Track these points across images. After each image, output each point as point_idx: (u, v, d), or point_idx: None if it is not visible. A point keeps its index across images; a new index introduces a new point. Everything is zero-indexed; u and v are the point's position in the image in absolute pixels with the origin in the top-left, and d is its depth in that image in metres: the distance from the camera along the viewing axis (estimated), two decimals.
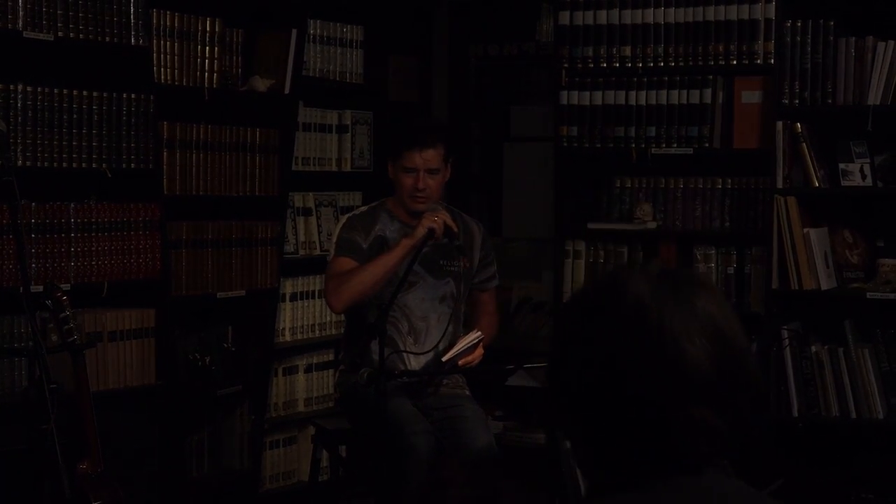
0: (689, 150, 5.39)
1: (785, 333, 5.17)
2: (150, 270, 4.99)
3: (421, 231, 4.45)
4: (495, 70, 6.95)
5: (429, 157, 4.61)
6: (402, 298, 4.64)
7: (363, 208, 4.86)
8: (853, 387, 5.12)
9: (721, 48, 5.31)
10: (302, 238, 5.87)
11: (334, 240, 4.72)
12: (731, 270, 5.40)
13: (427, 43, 6.87)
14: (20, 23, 4.54)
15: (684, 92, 5.38)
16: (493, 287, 4.91)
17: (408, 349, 4.63)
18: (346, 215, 4.82)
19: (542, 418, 5.95)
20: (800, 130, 5.14)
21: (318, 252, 5.87)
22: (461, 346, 4.54)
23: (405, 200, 4.66)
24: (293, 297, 5.77)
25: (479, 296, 4.86)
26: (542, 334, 6.13)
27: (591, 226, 5.62)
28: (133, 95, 4.90)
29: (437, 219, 4.44)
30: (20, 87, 4.58)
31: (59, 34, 4.64)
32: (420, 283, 4.68)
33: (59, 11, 4.64)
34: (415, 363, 4.66)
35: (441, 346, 4.67)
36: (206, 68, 5.27)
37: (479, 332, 4.60)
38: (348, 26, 6.01)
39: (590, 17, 5.52)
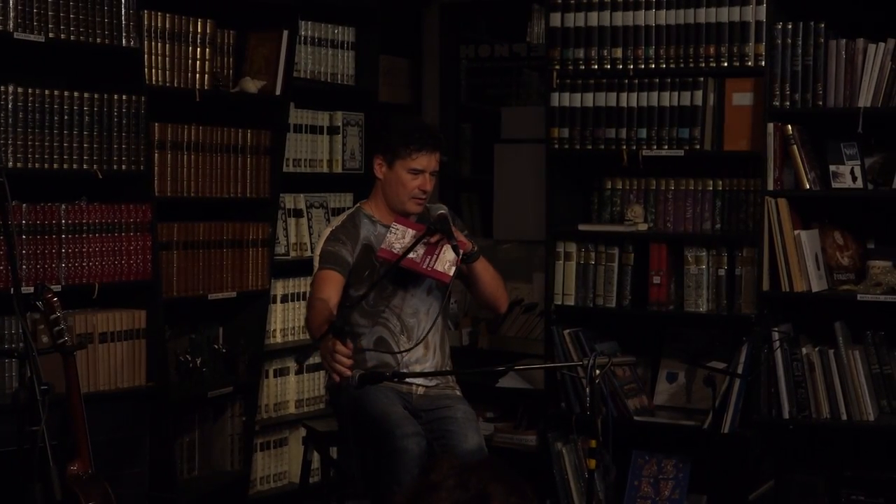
0: (680, 152, 5.40)
1: (776, 335, 5.17)
2: (141, 272, 4.98)
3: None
4: (486, 72, 6.95)
5: (436, 159, 4.63)
6: (394, 299, 4.63)
7: (342, 218, 4.74)
8: (844, 389, 5.13)
9: (712, 50, 5.31)
10: (293, 239, 5.87)
11: (317, 253, 4.65)
12: (721, 272, 5.41)
13: (418, 44, 6.87)
14: (11, 24, 4.53)
15: (675, 94, 5.39)
16: (482, 257, 4.73)
17: (402, 349, 4.62)
18: (328, 228, 4.72)
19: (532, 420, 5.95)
20: (790, 132, 5.15)
21: (308, 254, 5.86)
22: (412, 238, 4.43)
23: (404, 201, 4.61)
24: (284, 299, 5.77)
25: (469, 267, 4.68)
26: (534, 336, 6.13)
27: (582, 227, 5.62)
28: (124, 97, 4.90)
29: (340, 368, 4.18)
30: (11, 88, 4.58)
31: (50, 35, 4.64)
32: (406, 282, 4.66)
33: (50, 12, 4.64)
34: (408, 358, 4.63)
35: (431, 338, 4.66)
36: (198, 70, 5.27)
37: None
38: (339, 27, 6.02)
39: (581, 19, 5.52)
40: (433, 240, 4.46)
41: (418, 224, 4.55)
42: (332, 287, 4.53)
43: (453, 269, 4.44)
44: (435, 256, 4.47)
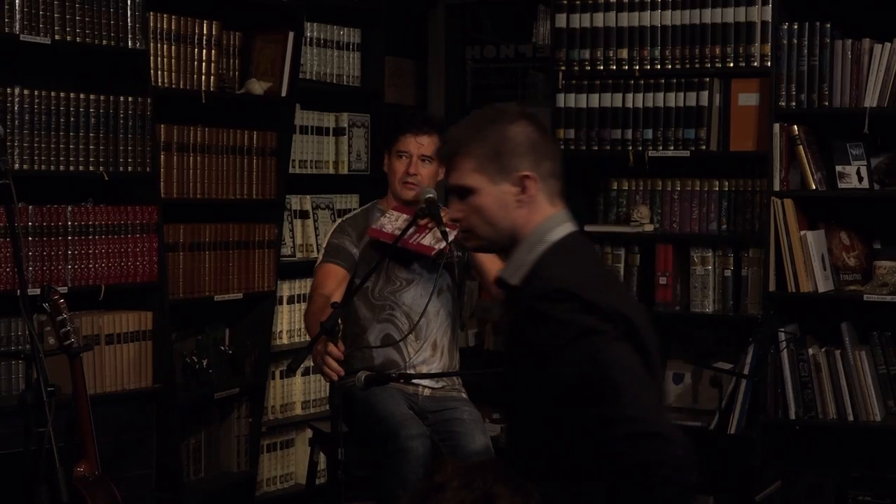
0: (686, 153, 5.40)
1: (782, 336, 5.17)
2: (148, 273, 4.99)
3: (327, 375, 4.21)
4: (492, 72, 6.95)
5: (423, 142, 4.64)
6: (403, 296, 4.65)
7: (355, 211, 4.88)
8: (850, 389, 5.12)
9: (718, 51, 5.31)
10: (299, 241, 5.87)
11: (324, 245, 4.75)
12: (728, 273, 5.40)
13: (423, 45, 6.88)
14: (17, 26, 4.54)
15: (681, 94, 5.39)
16: None
17: (408, 346, 4.63)
18: (338, 220, 4.83)
19: None
20: (797, 133, 5.15)
21: (314, 255, 5.86)
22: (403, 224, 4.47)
23: (396, 187, 4.66)
24: (290, 300, 5.77)
25: (478, 259, 4.66)
26: None
27: (588, 228, 5.61)
28: (130, 98, 4.90)
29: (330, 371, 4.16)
30: (17, 90, 4.58)
31: (57, 37, 4.64)
32: (417, 279, 4.68)
33: (56, 15, 4.64)
34: (415, 359, 4.65)
35: (440, 340, 4.67)
36: (204, 71, 5.27)
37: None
38: (345, 29, 6.02)
39: (586, 20, 5.52)
40: (422, 222, 4.52)
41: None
42: (334, 282, 4.59)
43: (440, 244, 4.47)
44: (424, 233, 4.52)
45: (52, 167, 4.69)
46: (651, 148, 5.45)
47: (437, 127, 4.71)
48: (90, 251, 4.81)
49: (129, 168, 4.92)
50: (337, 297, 4.49)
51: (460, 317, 4.93)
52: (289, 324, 5.78)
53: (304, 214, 5.91)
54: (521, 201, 2.76)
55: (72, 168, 4.75)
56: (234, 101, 5.48)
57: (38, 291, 4.32)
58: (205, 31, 5.27)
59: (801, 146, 5.15)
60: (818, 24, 5.13)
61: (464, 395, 4.74)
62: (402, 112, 6.25)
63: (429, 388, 4.67)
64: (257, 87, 5.51)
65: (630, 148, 5.47)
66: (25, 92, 4.60)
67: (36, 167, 4.64)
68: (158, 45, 5.09)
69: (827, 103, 5.12)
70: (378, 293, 4.65)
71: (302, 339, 5.81)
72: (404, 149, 4.64)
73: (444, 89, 6.87)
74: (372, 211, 4.78)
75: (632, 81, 5.47)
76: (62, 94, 4.72)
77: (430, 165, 4.66)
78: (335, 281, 4.59)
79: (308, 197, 5.93)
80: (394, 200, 4.72)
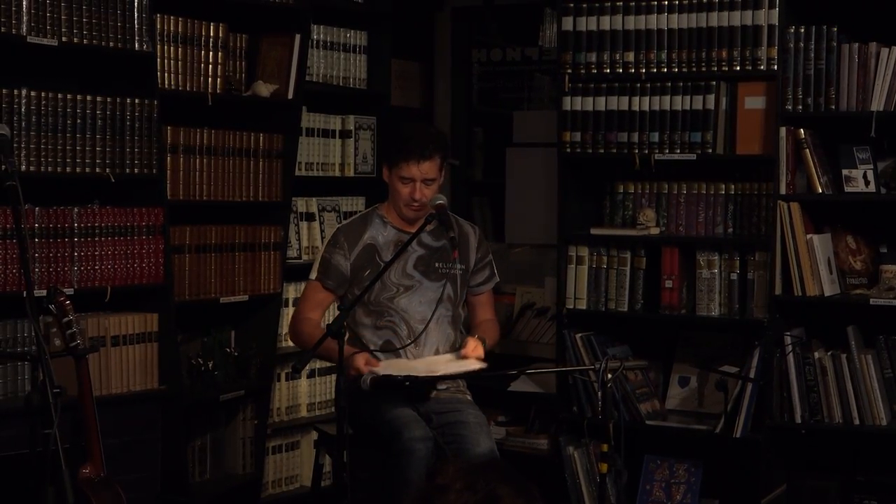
0: (693, 156, 5.39)
1: (788, 339, 5.17)
2: (154, 275, 4.99)
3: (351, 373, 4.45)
4: (498, 75, 6.95)
5: (426, 168, 4.62)
6: (399, 302, 4.65)
7: (355, 217, 4.86)
8: (856, 393, 5.12)
9: (724, 54, 5.31)
10: (305, 243, 5.88)
11: (319, 254, 4.77)
12: (733, 276, 5.40)
13: (430, 48, 6.88)
14: (24, 28, 4.54)
15: (687, 98, 5.38)
16: (489, 290, 4.91)
17: (408, 353, 4.64)
18: (338, 226, 4.84)
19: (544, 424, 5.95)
20: (803, 136, 5.15)
21: None
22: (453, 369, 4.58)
23: (401, 208, 4.68)
24: (296, 302, 5.76)
25: (474, 299, 4.86)
26: (545, 340, 6.13)
27: (594, 231, 5.62)
28: (137, 100, 4.91)
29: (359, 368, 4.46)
30: (24, 92, 4.59)
31: (63, 39, 4.65)
32: (416, 286, 4.69)
33: (62, 17, 4.65)
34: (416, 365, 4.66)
35: (441, 351, 4.68)
36: (210, 73, 5.28)
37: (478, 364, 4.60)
38: (351, 31, 6.02)
39: (593, 23, 5.52)
40: (429, 228, 4.59)
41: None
42: (320, 310, 4.72)
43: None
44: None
45: (59, 169, 4.70)
46: (657, 151, 5.44)
47: (438, 148, 4.67)
48: (96, 253, 4.82)
49: (136, 170, 4.92)
50: (319, 321, 4.70)
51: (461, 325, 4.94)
52: None
53: (309, 217, 5.91)
54: None
55: (78, 170, 4.76)
56: (241, 103, 5.49)
57: (44, 293, 4.33)
58: (211, 34, 5.28)
59: (807, 149, 5.14)
60: (825, 27, 5.12)
61: (469, 398, 4.74)
62: (401, 122, 6.24)
63: (434, 390, 4.67)
64: (263, 89, 5.52)
65: (636, 151, 5.47)
66: (32, 94, 4.61)
67: (42, 169, 4.65)
68: (165, 47, 5.10)
69: (833, 107, 5.12)
70: (374, 299, 4.65)
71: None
72: (407, 175, 4.63)
73: (451, 92, 6.87)
74: (371, 216, 4.76)
75: (638, 84, 5.46)
76: (69, 96, 4.73)
77: (433, 185, 4.66)
78: (321, 308, 4.73)
79: (314, 199, 5.93)
80: (395, 212, 4.72)
